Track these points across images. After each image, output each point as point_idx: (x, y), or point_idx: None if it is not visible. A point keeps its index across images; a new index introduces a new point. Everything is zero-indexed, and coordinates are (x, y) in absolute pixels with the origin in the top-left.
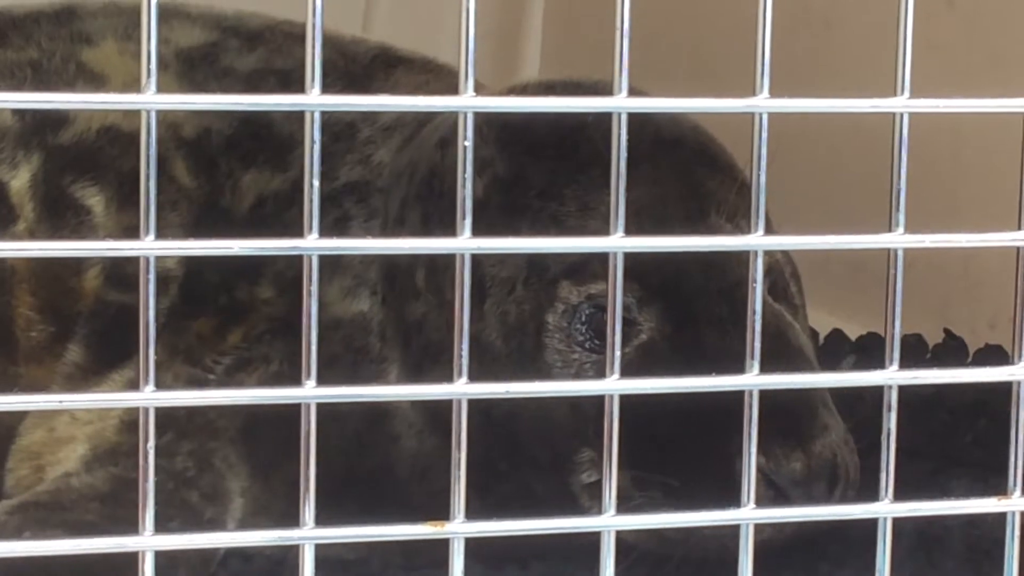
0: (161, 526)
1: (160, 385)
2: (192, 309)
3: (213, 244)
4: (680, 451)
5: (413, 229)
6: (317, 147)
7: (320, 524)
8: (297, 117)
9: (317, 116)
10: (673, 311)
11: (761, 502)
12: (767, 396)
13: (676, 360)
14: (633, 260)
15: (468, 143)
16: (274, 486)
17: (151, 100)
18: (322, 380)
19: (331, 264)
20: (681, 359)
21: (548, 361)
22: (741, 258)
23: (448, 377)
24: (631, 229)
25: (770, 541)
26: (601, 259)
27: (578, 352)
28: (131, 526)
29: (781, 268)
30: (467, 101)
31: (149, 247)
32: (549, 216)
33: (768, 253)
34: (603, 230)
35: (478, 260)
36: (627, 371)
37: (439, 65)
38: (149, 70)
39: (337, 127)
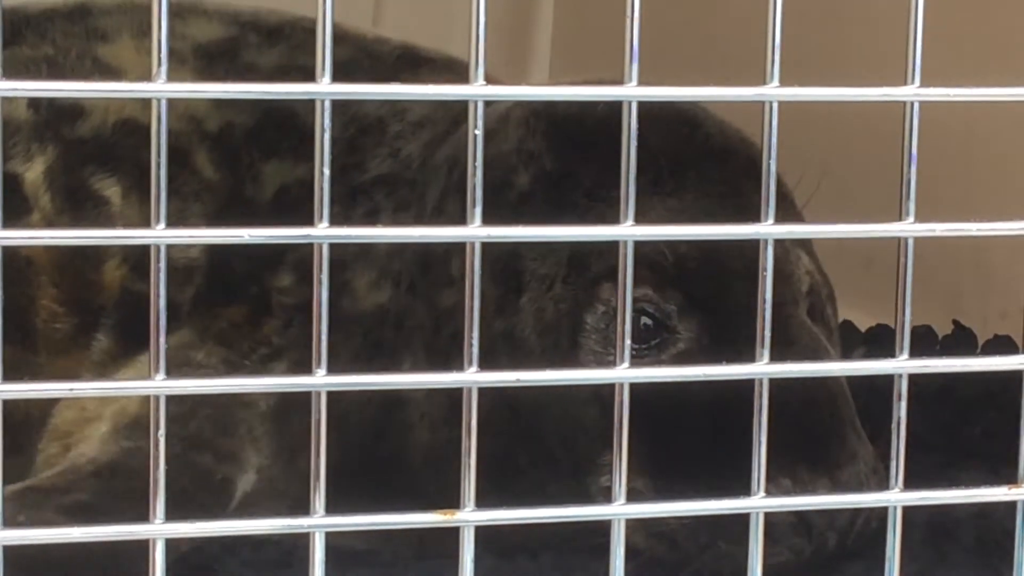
0: (168, 489)
1: (193, 363)
2: (221, 298)
3: (224, 233)
4: (703, 462)
5: (452, 219)
6: (327, 136)
7: (332, 512)
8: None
9: (327, 105)
10: (713, 324)
11: (783, 527)
12: (796, 418)
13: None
14: (679, 269)
15: (478, 132)
16: (298, 469)
17: (162, 89)
18: (347, 371)
19: (363, 256)
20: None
21: (582, 362)
22: (785, 277)
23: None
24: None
25: (787, 564)
26: (647, 264)
27: (613, 355)
28: (125, 500)
29: (820, 289)
30: (477, 90)
31: (160, 235)
32: (595, 216)
33: (809, 273)
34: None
35: (518, 254)
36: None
37: (464, 64)
38: (160, 59)
39: (366, 121)
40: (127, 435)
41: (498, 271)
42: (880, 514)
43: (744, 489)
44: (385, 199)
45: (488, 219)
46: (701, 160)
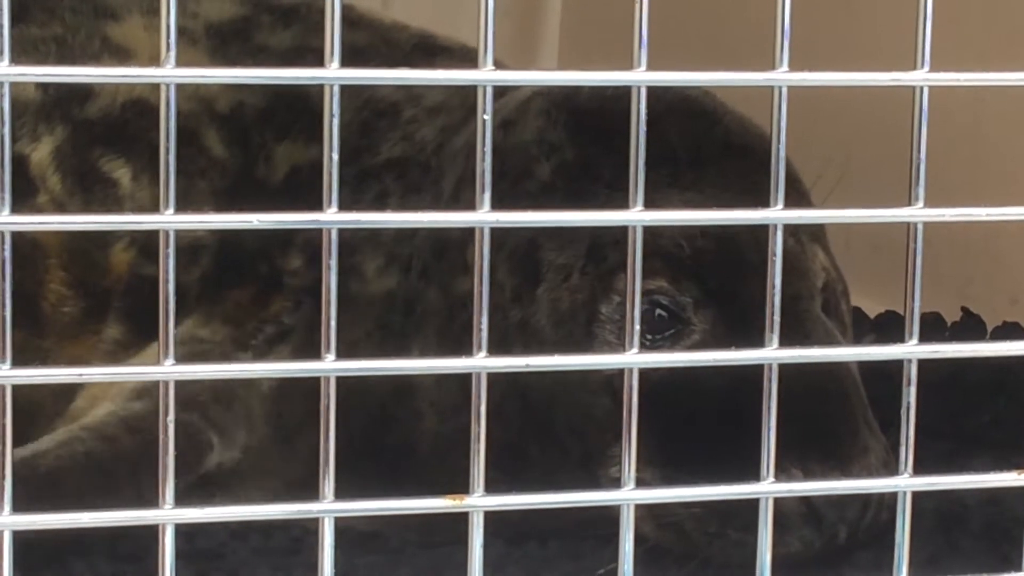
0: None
1: (200, 341)
2: (228, 278)
3: (233, 218)
4: (715, 457)
5: (468, 206)
6: (336, 121)
7: (340, 498)
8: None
9: (336, 90)
10: (728, 318)
11: (795, 518)
12: (808, 412)
13: (723, 367)
14: (696, 262)
15: (487, 117)
16: (295, 451)
17: (170, 74)
18: (356, 354)
19: (372, 240)
20: (728, 367)
21: (596, 352)
22: (801, 272)
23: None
24: (693, 229)
25: (797, 555)
26: (663, 256)
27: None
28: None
29: (835, 285)
30: (485, 75)
31: (169, 221)
32: (615, 207)
33: (825, 269)
34: (663, 230)
35: (537, 244)
36: (673, 370)
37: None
38: (169, 43)
39: (381, 105)
40: (123, 404)
41: (516, 261)
42: (890, 504)
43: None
44: (395, 182)
45: (508, 208)
46: (721, 155)
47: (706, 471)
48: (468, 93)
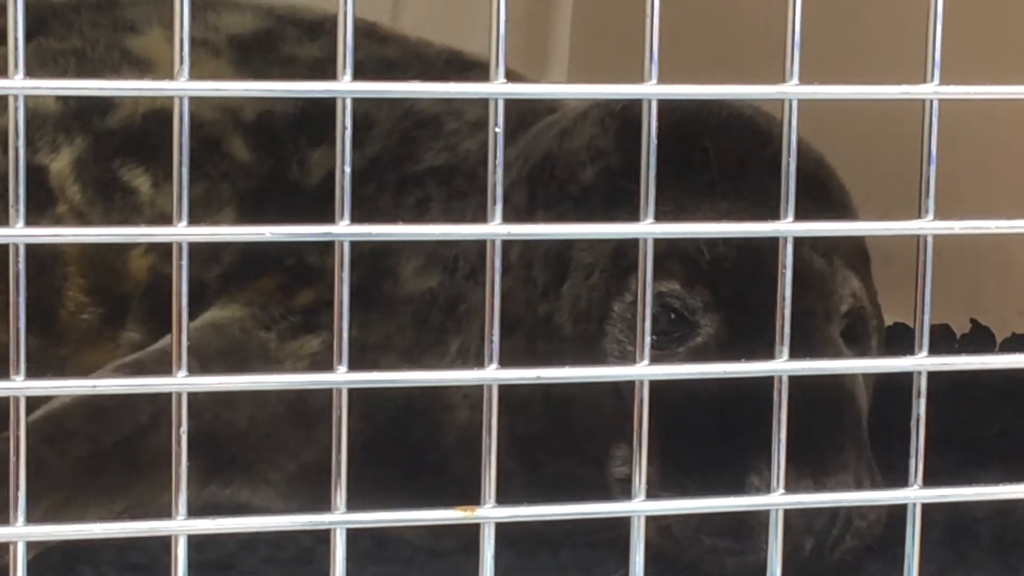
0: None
1: (218, 323)
2: (251, 272)
3: (246, 230)
4: (713, 455)
5: (517, 210)
6: (348, 134)
7: (364, 486)
8: (371, 98)
9: (348, 103)
10: (735, 324)
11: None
12: (803, 423)
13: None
14: (713, 268)
15: (499, 130)
16: (316, 433)
17: (183, 87)
18: (390, 348)
19: (410, 243)
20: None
21: (606, 349)
22: (822, 292)
23: (517, 349)
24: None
25: (801, 562)
26: (681, 259)
27: (635, 345)
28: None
29: (864, 316)
30: (497, 88)
31: (181, 233)
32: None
33: (855, 296)
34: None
35: (568, 243)
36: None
37: (509, 70)
38: (182, 57)
39: (421, 116)
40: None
41: (551, 258)
42: (860, 530)
43: (739, 477)
44: (438, 188)
45: (552, 209)
46: (764, 173)
47: (703, 469)
48: (510, 111)
